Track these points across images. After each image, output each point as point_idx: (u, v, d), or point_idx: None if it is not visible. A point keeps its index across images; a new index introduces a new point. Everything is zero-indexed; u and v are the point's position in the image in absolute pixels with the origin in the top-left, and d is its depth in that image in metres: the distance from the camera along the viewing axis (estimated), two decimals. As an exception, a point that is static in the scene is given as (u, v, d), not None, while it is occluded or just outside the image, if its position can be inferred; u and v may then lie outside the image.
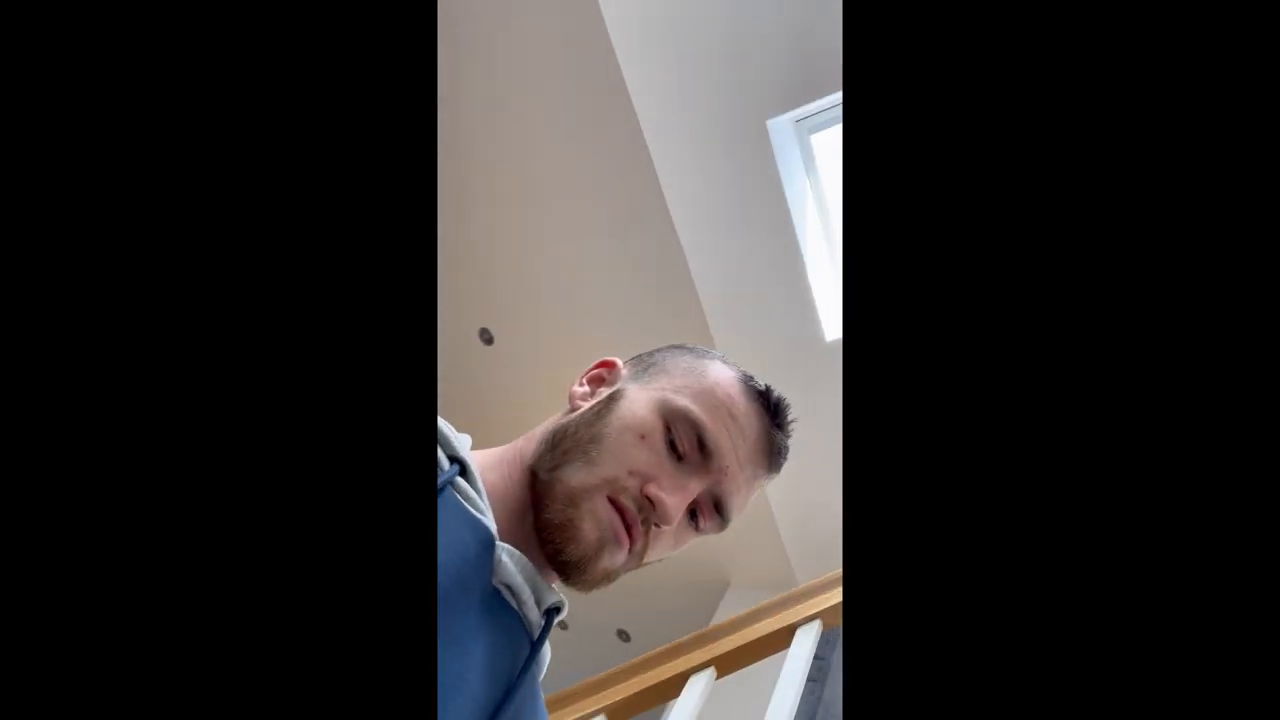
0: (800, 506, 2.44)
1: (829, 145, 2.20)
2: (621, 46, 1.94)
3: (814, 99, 1.98)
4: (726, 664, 1.22)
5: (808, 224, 2.20)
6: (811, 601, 1.27)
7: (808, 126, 2.19)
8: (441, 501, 0.44)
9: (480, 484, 0.48)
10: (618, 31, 1.92)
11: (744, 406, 0.53)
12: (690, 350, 0.57)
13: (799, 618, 1.23)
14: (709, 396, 0.52)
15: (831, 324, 2.25)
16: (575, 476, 0.48)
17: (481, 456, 0.52)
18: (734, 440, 0.51)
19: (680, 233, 2.15)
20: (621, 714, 1.19)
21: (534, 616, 0.49)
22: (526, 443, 0.53)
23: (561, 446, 0.50)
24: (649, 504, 0.48)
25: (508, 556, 0.46)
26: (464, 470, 0.47)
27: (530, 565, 0.48)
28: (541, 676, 0.52)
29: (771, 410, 0.54)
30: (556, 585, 0.52)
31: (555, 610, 0.50)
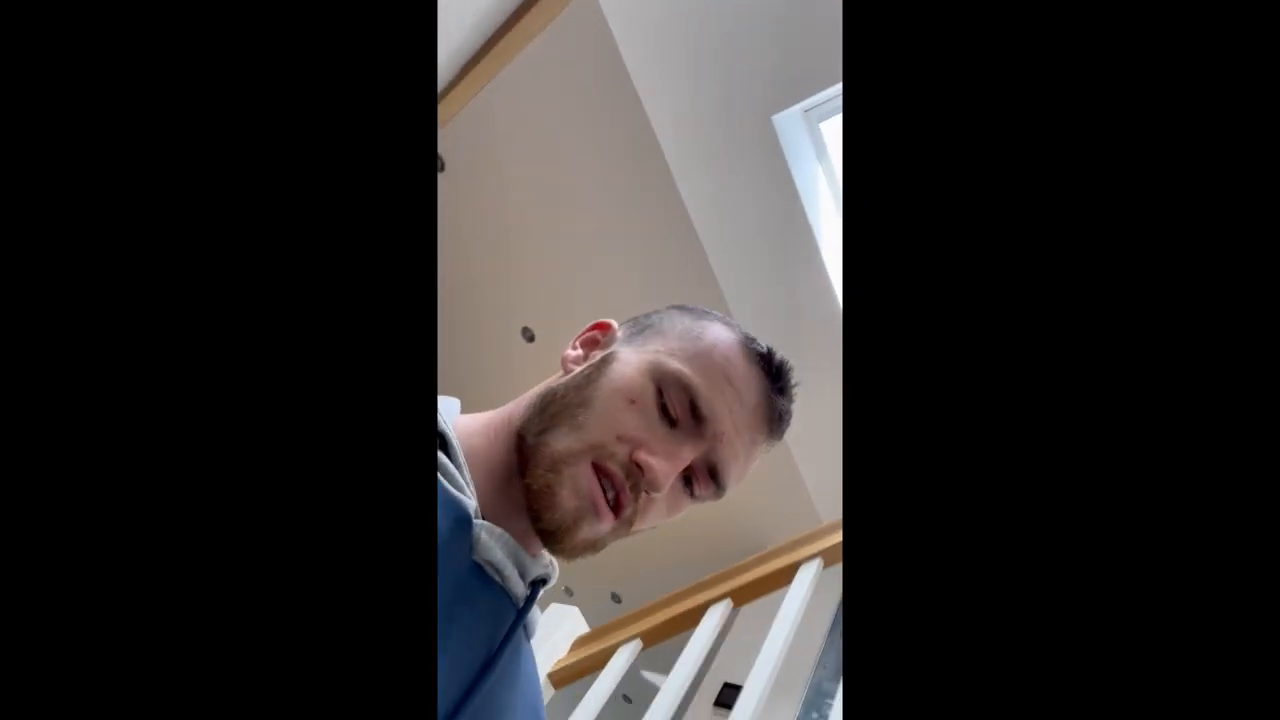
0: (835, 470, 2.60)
1: (838, 132, 2.36)
2: (630, 57, 2.13)
3: (820, 89, 2.14)
4: (741, 596, 1.43)
5: (820, 210, 2.36)
6: (817, 544, 1.47)
7: (816, 115, 2.34)
8: None
9: (460, 456, 0.46)
10: (626, 45, 2.12)
11: (743, 369, 0.50)
12: (689, 311, 0.54)
13: (802, 556, 1.43)
14: (704, 359, 0.49)
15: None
16: (561, 441, 0.46)
17: (469, 421, 0.51)
18: (730, 405, 0.49)
19: (699, 232, 2.36)
20: (652, 638, 1.43)
21: (519, 590, 0.47)
22: (516, 406, 0.51)
23: (550, 410, 0.48)
24: (638, 470, 0.45)
25: (486, 534, 0.44)
26: (444, 443, 0.46)
27: (511, 540, 0.46)
28: (535, 638, 0.52)
29: (773, 374, 0.51)
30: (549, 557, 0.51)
31: (543, 581, 0.50)
